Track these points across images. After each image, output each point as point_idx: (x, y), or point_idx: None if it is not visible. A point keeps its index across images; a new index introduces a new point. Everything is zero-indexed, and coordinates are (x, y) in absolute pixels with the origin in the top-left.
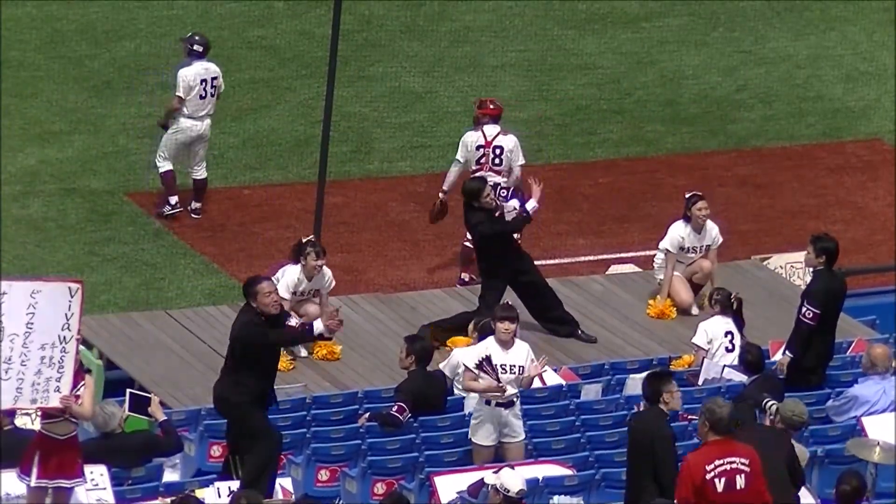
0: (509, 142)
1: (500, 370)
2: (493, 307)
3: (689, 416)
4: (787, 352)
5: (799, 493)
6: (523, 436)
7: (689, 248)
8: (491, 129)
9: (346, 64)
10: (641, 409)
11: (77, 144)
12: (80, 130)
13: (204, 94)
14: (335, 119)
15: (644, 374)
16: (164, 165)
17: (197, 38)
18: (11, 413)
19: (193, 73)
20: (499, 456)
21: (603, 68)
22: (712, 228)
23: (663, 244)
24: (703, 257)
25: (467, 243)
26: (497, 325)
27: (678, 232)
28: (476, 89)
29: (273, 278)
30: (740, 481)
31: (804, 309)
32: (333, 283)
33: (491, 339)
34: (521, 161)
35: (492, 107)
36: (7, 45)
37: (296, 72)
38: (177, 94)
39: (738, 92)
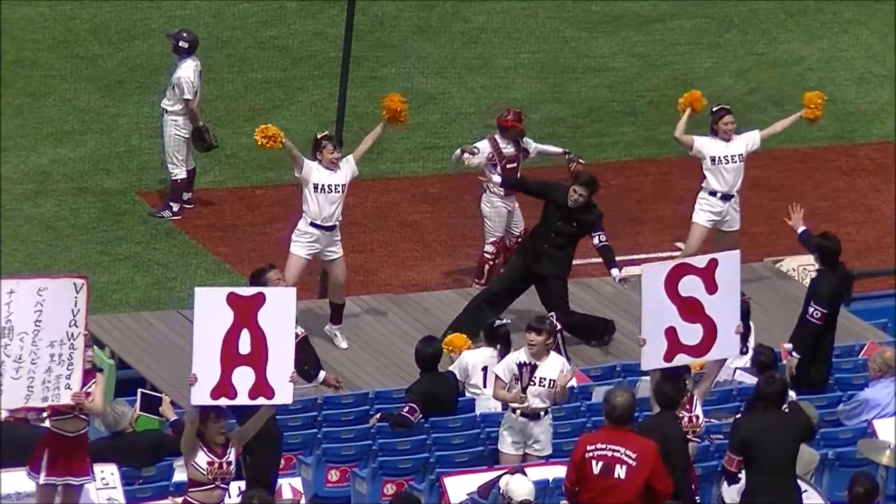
0: (480, 147)
1: (529, 383)
2: (496, 303)
3: (712, 437)
4: (793, 353)
5: (804, 492)
6: (549, 451)
7: (717, 157)
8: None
9: (358, 64)
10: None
11: (90, 144)
12: (93, 130)
13: (198, 91)
14: (348, 119)
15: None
16: (180, 172)
17: (185, 34)
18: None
19: (193, 74)
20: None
21: (615, 70)
22: (740, 137)
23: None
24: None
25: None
26: (525, 335)
27: (702, 140)
28: (489, 90)
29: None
30: (620, 471)
31: (811, 309)
32: (356, 172)
33: (523, 350)
34: (496, 176)
35: (504, 118)
36: (20, 45)
37: (308, 72)
38: (185, 97)
39: (750, 94)
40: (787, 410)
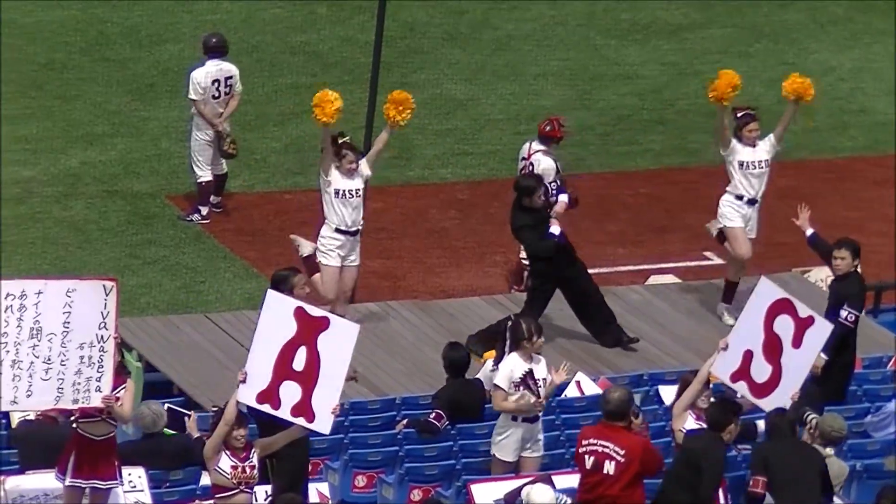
0: (540, 164)
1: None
2: (538, 313)
3: (740, 448)
4: (822, 354)
5: None
6: (542, 451)
7: (745, 162)
8: (535, 145)
9: (388, 70)
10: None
11: (119, 147)
12: (123, 133)
13: (217, 95)
14: (377, 125)
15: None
16: (204, 175)
17: (214, 39)
18: (67, 413)
19: (204, 74)
20: (515, 469)
21: (645, 78)
22: (763, 143)
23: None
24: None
25: (524, 259)
26: (536, 341)
27: (733, 144)
28: (518, 97)
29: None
30: (609, 466)
31: (845, 312)
32: (370, 173)
33: (515, 355)
34: (563, 196)
35: (547, 129)
36: (52, 47)
37: (338, 77)
38: (189, 97)
39: (780, 104)
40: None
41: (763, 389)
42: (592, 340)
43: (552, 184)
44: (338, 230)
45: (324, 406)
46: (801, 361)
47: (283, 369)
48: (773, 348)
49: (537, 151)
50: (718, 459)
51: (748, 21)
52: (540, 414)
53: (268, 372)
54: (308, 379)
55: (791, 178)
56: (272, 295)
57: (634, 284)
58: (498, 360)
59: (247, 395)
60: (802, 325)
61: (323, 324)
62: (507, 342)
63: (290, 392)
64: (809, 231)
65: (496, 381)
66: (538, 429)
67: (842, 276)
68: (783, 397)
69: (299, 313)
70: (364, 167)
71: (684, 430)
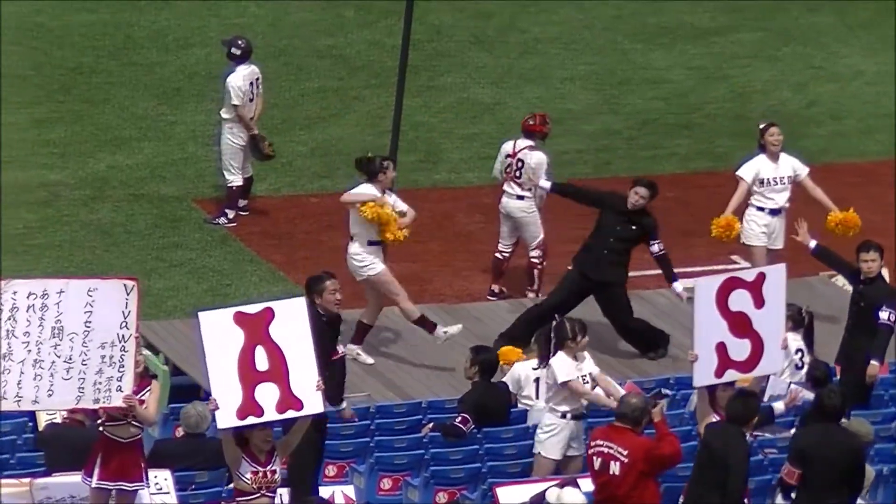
0: (532, 158)
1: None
2: (553, 309)
3: (766, 451)
4: (874, 360)
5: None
6: (584, 450)
7: (766, 179)
8: (521, 142)
9: (415, 74)
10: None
11: (146, 151)
12: (150, 137)
13: (252, 97)
14: (404, 129)
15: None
16: (236, 179)
17: (239, 42)
18: (92, 413)
19: (241, 79)
20: (558, 469)
21: (671, 82)
22: (789, 159)
23: (738, 172)
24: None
25: (498, 255)
26: (581, 340)
27: (753, 162)
28: (544, 101)
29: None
30: (614, 467)
31: (886, 314)
32: (400, 209)
33: (562, 354)
34: (544, 181)
35: (531, 122)
36: (80, 51)
37: (365, 81)
38: (232, 103)
39: (808, 108)
40: (844, 425)
41: (750, 362)
42: (620, 345)
43: (547, 174)
44: (370, 242)
45: (306, 388)
46: (773, 313)
47: (249, 377)
48: (741, 324)
49: (524, 148)
50: (745, 454)
51: (777, 25)
52: (586, 412)
53: (236, 387)
54: (278, 373)
55: (818, 182)
56: (203, 316)
57: (661, 288)
58: (543, 361)
59: (225, 419)
60: (756, 285)
61: (267, 316)
62: (552, 342)
63: (267, 393)
64: (812, 243)
65: (562, 378)
66: (582, 427)
67: (870, 278)
68: (774, 355)
69: (239, 318)
70: (399, 201)
71: None
